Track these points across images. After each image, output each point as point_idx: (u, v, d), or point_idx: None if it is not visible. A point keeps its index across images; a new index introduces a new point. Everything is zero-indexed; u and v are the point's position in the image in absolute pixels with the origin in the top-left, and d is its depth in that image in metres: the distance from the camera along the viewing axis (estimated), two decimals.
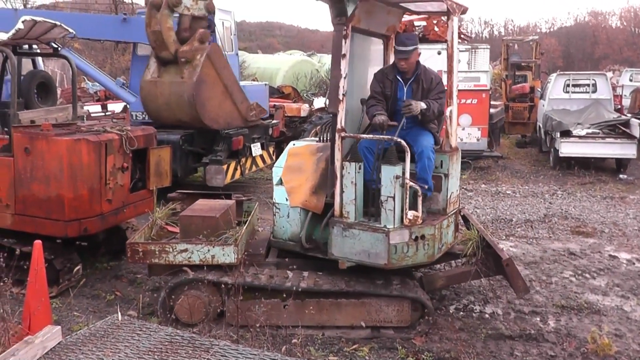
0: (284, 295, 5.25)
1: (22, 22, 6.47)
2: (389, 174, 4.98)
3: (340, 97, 5.18)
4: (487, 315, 5.88)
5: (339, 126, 5.23)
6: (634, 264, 7.54)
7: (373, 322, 5.30)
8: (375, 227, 5.10)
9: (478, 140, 13.58)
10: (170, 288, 5.36)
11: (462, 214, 6.64)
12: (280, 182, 5.74)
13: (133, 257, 5.46)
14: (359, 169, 5.16)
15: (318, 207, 5.53)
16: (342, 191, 5.22)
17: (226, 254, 5.33)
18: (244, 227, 5.81)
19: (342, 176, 5.19)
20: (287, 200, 5.64)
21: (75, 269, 6.32)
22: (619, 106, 16.50)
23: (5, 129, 6.59)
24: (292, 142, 6.26)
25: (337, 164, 5.22)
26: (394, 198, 4.99)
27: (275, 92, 15.96)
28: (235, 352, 3.24)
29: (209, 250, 5.35)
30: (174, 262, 5.38)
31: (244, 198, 6.82)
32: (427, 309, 5.34)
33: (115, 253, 7.30)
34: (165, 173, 7.15)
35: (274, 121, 12.16)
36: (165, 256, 5.38)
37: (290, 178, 5.71)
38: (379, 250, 5.05)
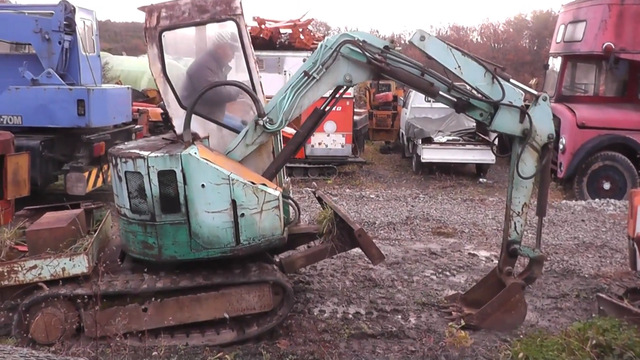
0: (143, 299, 5.09)
1: None
2: None
3: None
4: (350, 316, 6.02)
5: None
6: (492, 260, 7.91)
7: (236, 312, 5.26)
8: None
9: (342, 146, 13.95)
10: (25, 307, 5.02)
11: (317, 195, 6.90)
12: None
13: None
14: None
15: None
16: None
17: (76, 264, 5.10)
18: (94, 235, 5.59)
19: None
20: None
21: None
22: None
23: None
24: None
25: None
26: None
27: (140, 95, 15.47)
28: None
29: (58, 263, 5.08)
30: (24, 281, 5.07)
31: (93, 206, 6.53)
32: (287, 291, 5.34)
33: None
34: (24, 182, 6.80)
35: (138, 126, 11.80)
36: (15, 276, 5.06)
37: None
38: None
